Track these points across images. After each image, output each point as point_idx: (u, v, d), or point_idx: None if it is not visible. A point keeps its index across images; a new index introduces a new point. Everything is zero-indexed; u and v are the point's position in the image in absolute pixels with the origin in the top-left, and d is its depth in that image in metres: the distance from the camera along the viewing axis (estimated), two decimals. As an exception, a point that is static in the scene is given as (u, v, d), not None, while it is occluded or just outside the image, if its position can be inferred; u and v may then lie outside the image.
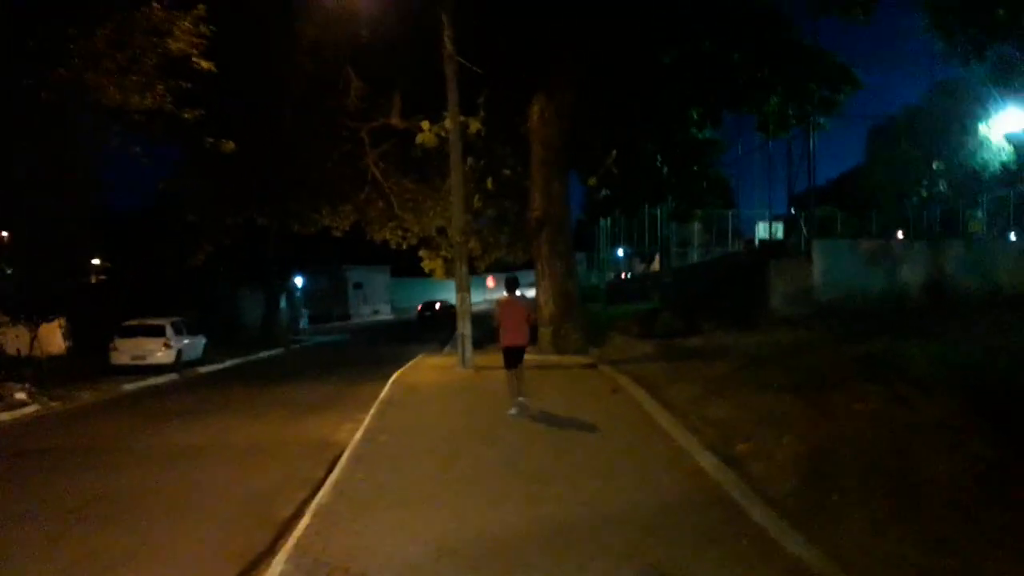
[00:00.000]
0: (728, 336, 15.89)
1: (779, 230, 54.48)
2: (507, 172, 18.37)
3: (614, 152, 15.14)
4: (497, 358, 11.11)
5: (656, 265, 44.07)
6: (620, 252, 50.27)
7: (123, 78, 11.56)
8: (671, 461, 7.57)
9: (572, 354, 15.01)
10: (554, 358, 14.91)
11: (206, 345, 23.90)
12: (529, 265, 28.30)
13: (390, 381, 12.60)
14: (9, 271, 17.70)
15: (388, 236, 25.42)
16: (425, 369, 14.62)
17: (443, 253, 24.89)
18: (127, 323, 21.31)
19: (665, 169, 16.48)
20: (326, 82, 20.06)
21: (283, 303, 43.14)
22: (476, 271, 25.66)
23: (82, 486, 7.81)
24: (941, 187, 40.94)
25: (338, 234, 25.86)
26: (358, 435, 8.84)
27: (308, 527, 5.69)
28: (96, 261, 36.39)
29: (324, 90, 20.21)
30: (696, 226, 44.53)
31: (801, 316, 17.06)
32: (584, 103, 15.29)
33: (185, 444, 9.84)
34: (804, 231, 19.58)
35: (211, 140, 13.04)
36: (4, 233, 18.69)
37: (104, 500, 7.30)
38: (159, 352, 19.81)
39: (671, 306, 18.74)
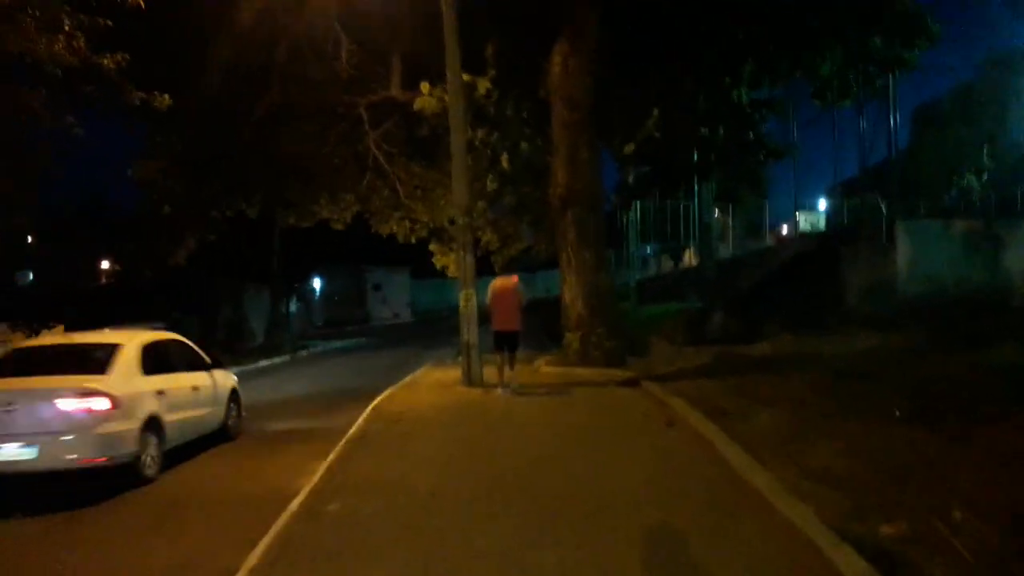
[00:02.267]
0: (800, 342, 12.82)
1: (820, 220, 50.77)
2: (525, 146, 15.40)
3: (656, 111, 12.12)
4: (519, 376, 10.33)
5: (688, 262, 41.01)
6: (648, 249, 46.95)
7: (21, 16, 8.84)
8: (783, 557, 4.57)
9: (605, 367, 12.01)
10: (583, 372, 11.93)
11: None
12: (556, 262, 25.30)
13: (370, 407, 9.67)
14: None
15: (395, 228, 22.57)
16: (423, 388, 11.70)
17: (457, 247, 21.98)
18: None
19: (721, 131, 13.35)
20: (314, 47, 17.29)
21: (294, 306, 40.71)
22: (493, 268, 22.73)
23: None
24: (995, 169, 37.51)
25: (339, 226, 23.05)
26: (296, 502, 5.92)
27: None
28: (106, 264, 34.27)
29: (312, 56, 17.43)
30: (724, 219, 41.60)
31: (884, 315, 13.92)
32: (617, 48, 12.30)
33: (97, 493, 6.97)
34: (884, 211, 16.35)
35: (141, 95, 10.30)
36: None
37: None
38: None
39: (722, 306, 15.69)
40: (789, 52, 13.76)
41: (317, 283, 60.02)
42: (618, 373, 11.57)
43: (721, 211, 42.85)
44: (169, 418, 7.86)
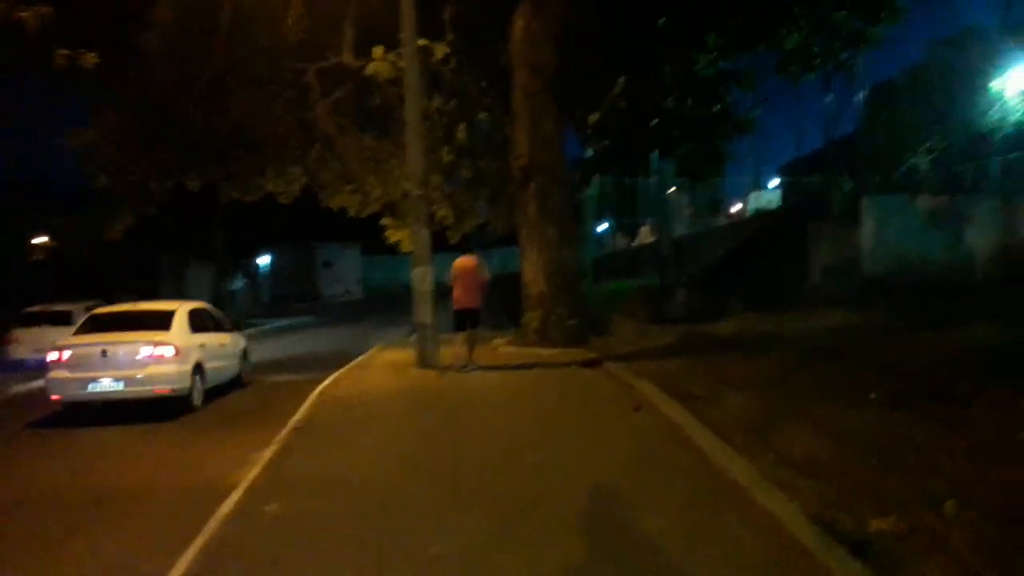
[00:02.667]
0: (765, 320, 12.53)
1: (775, 198, 51.28)
2: (483, 117, 14.77)
3: (622, 80, 11.56)
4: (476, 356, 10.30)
5: (643, 239, 40.88)
6: (603, 226, 46.74)
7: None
8: (771, 559, 4.16)
9: (566, 346, 11.55)
10: (544, 352, 11.45)
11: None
12: (513, 239, 24.66)
13: (316, 391, 9.01)
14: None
15: (345, 202, 21.68)
16: (375, 369, 11.07)
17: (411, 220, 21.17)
18: (29, 310, 18.24)
19: (689, 103, 12.88)
20: (261, 8, 16.24)
21: (239, 283, 39.47)
22: (448, 244, 22.06)
23: None
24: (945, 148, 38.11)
25: (285, 201, 21.98)
26: (233, 498, 5.30)
27: None
28: (45, 239, 32.61)
29: (259, 19, 16.38)
30: (679, 196, 41.69)
31: (849, 293, 13.72)
32: (581, 13, 11.69)
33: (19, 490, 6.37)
34: (844, 188, 16.13)
35: (64, 52, 9.32)
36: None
37: None
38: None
39: (684, 283, 15.35)
40: (757, 22, 13.37)
41: (266, 259, 58.58)
42: (580, 353, 11.11)
43: (677, 189, 42.83)
44: (208, 365, 10.52)
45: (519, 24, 11.95)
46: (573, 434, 6.82)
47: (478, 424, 7.25)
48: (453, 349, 10.64)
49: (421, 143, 10.85)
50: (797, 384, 8.23)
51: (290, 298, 51.65)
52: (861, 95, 16.57)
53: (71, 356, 9.49)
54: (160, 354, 9.58)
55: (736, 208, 51.77)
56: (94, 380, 9.40)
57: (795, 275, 14.46)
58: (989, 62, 29.48)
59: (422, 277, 10.39)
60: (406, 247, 22.25)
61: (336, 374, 10.60)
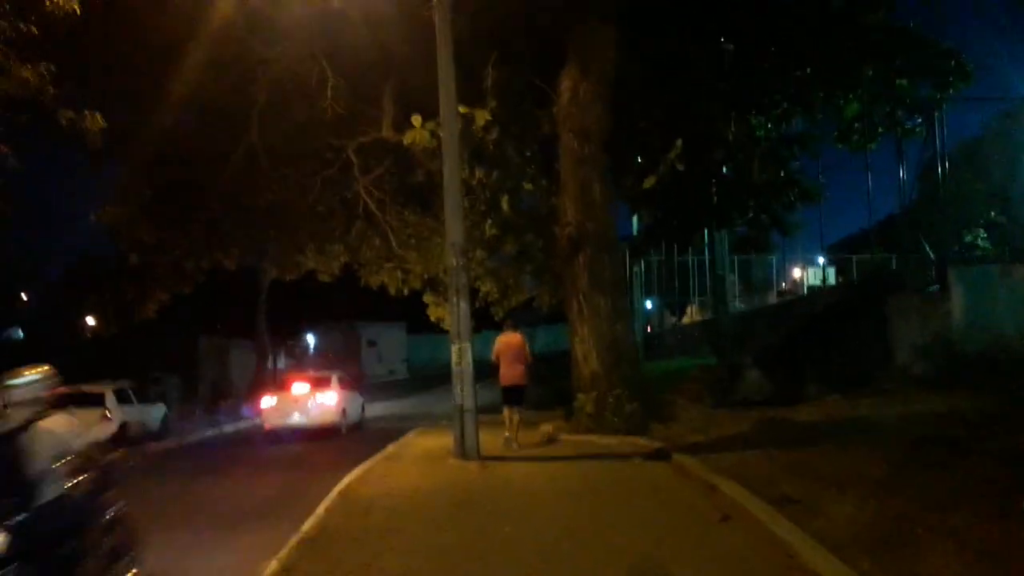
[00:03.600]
0: (851, 405, 11.02)
1: (831, 275, 49.59)
2: (528, 187, 13.89)
3: (679, 142, 10.57)
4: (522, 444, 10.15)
5: (690, 317, 39.67)
6: (649, 304, 45.30)
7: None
8: None
9: (626, 434, 10.18)
10: (600, 440, 10.10)
11: (166, 415, 19.77)
12: (560, 316, 23.50)
13: (336, 489, 7.76)
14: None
15: (386, 280, 20.95)
16: (407, 461, 9.80)
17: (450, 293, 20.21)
18: (56, 391, 17.41)
19: (753, 166, 11.81)
20: (297, 83, 15.88)
21: (281, 363, 38.87)
22: (492, 321, 21.04)
23: None
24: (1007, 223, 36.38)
25: (327, 279, 21.38)
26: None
27: None
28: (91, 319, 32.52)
29: (295, 94, 16.02)
30: (727, 275, 40.58)
31: (940, 374, 12.12)
32: (632, 70, 10.84)
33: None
34: (932, 255, 14.67)
35: (70, 114, 8.71)
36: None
37: None
38: (96, 426, 15.37)
39: (752, 362, 13.92)
40: (822, 81, 12.41)
41: (310, 339, 58.22)
42: (642, 442, 9.73)
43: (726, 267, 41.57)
44: (348, 409, 17.55)
45: (565, 86, 11.15)
46: (649, 557, 5.44)
47: (526, 538, 5.92)
48: (495, 434, 9.47)
49: (460, 209, 9.91)
50: (914, 484, 6.76)
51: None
52: (941, 164, 15.43)
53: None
54: (328, 401, 16.73)
55: (784, 286, 49.95)
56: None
57: (876, 354, 12.94)
58: None
59: (461, 355, 9.25)
60: (448, 325, 21.25)
61: (364, 466, 9.38)
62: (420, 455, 10.22)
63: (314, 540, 5.82)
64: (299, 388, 16.84)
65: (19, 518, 3.62)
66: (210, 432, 20.90)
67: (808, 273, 47.21)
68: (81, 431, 4.23)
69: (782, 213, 14.89)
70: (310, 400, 16.37)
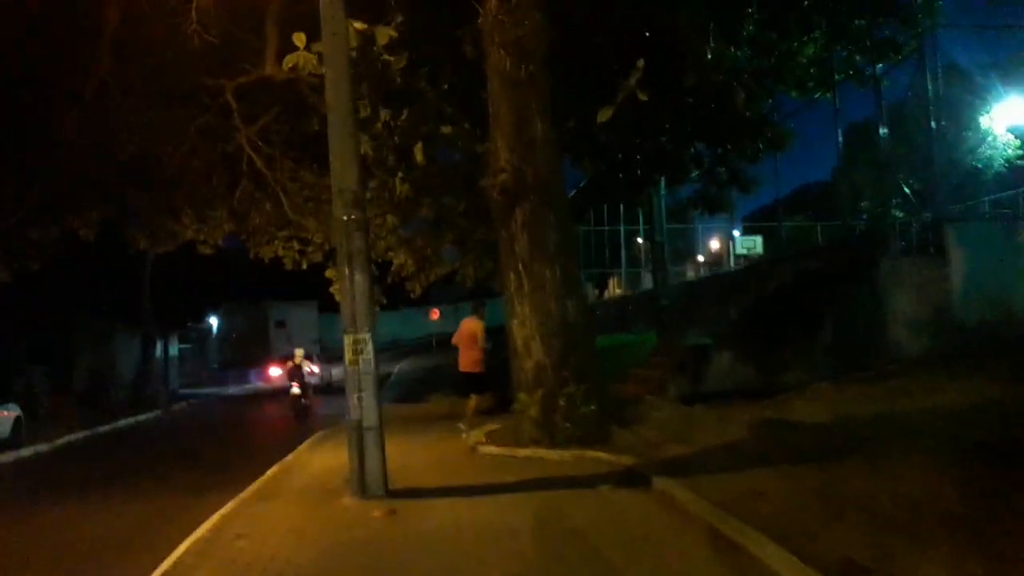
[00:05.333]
0: (854, 395, 8.88)
1: (757, 243, 48.64)
2: (447, 131, 11.14)
3: (640, 62, 8.02)
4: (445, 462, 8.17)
5: (612, 292, 38.18)
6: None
7: None
8: None
9: (582, 445, 7.70)
10: (549, 455, 7.60)
11: (19, 419, 16.32)
12: (487, 292, 20.96)
13: (180, 550, 4.98)
14: None
15: (280, 252, 17.88)
16: (286, 496, 7.00)
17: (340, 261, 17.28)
18: None
19: (740, 99, 9.36)
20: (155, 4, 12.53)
21: (174, 350, 35.01)
22: (409, 298, 18.28)
23: None
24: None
25: (208, 251, 18.04)
26: None
27: None
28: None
29: (154, 15, 12.66)
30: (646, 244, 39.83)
31: (945, 351, 10.16)
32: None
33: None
34: (923, 217, 12.71)
35: None
36: None
37: None
38: None
39: (716, 341, 11.71)
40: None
41: (213, 321, 53.88)
42: (606, 457, 7.27)
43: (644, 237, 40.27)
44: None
45: (494, -13, 8.40)
46: None
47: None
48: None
49: (352, 141, 7.09)
50: (1018, 522, 4.57)
51: (243, 364, 47.01)
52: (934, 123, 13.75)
53: None
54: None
55: (703, 259, 48.91)
56: None
57: (865, 330, 10.90)
58: (977, 97, 27.28)
59: (358, 349, 6.51)
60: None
61: (225, 510, 6.56)
62: (305, 487, 7.44)
63: None
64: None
65: None
66: (81, 435, 17.73)
67: (735, 243, 46.18)
68: None
69: (742, 167, 12.70)
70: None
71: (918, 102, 35.56)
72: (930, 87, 12.89)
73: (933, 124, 12.59)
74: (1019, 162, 31.53)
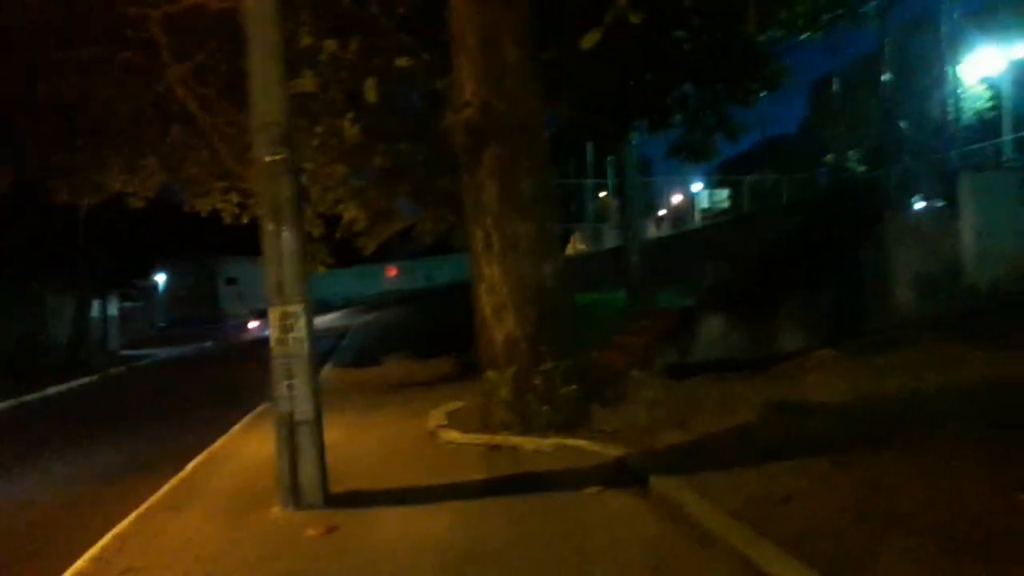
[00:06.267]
0: (867, 367, 7.86)
1: (723, 196, 47.86)
2: (403, 63, 9.66)
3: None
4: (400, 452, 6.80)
5: (574, 247, 37.32)
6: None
7: None
8: None
9: (562, 432, 6.55)
10: (524, 443, 6.44)
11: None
12: (446, 247, 19.64)
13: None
14: None
15: (218, 205, 16.24)
16: (205, 504, 5.72)
17: (310, 229, 15.82)
18: None
19: (751, 17, 8.08)
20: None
21: (113, 309, 33.01)
22: (361, 254, 16.86)
23: None
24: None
25: (139, 203, 16.30)
26: None
27: None
28: None
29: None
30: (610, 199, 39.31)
31: (955, 314, 9.20)
32: None
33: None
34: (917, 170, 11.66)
35: None
36: None
37: None
38: None
39: (705, 304, 10.61)
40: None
41: (161, 278, 51.60)
42: (590, 447, 6.12)
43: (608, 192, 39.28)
44: None
45: None
46: None
47: None
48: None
49: (278, 65, 5.64)
50: None
51: (191, 322, 45.04)
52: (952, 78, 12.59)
53: None
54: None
55: (663, 212, 48.10)
56: None
57: (871, 290, 9.89)
58: (948, 46, 26.38)
59: (287, 325, 5.20)
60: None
61: (125, 524, 5.28)
62: (229, 490, 6.14)
63: None
64: None
65: None
66: (3, 405, 16.20)
67: (701, 197, 45.28)
68: None
69: (730, 109, 11.50)
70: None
71: (892, 51, 34.41)
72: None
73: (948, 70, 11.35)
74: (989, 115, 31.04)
